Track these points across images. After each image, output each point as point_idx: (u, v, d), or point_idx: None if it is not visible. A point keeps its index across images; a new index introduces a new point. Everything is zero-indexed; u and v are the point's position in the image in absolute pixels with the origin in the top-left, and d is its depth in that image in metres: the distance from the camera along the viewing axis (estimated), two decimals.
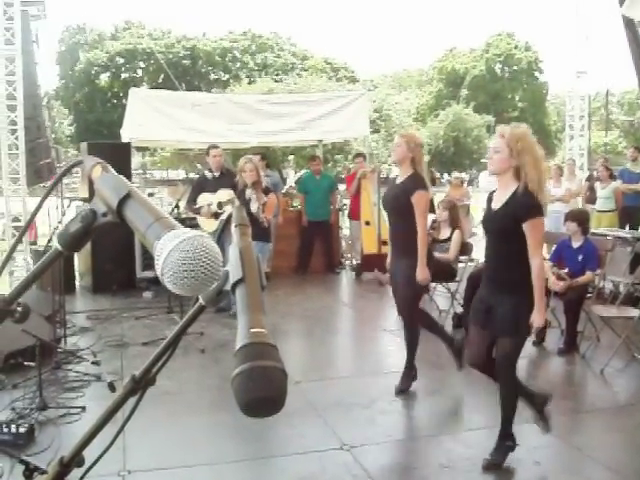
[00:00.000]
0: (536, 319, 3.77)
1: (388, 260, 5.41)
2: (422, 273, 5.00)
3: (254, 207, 6.98)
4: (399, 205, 5.07)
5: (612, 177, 10.38)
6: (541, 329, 6.55)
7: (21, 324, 1.22)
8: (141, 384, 1.08)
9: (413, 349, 5.32)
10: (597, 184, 10.51)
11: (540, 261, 3.77)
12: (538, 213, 3.77)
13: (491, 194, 4.05)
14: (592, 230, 8.34)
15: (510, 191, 3.80)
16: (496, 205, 3.90)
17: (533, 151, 3.76)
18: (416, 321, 5.32)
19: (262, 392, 0.80)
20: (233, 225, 1.05)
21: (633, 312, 6.19)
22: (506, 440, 4.06)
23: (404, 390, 5.25)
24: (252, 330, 0.84)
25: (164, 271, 0.93)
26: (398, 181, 5.18)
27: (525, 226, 3.71)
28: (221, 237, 7.17)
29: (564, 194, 10.84)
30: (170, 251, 0.93)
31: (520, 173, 3.74)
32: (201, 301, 1.01)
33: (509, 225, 3.78)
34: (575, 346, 6.37)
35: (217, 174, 8.03)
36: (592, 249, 6.65)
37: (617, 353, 5.86)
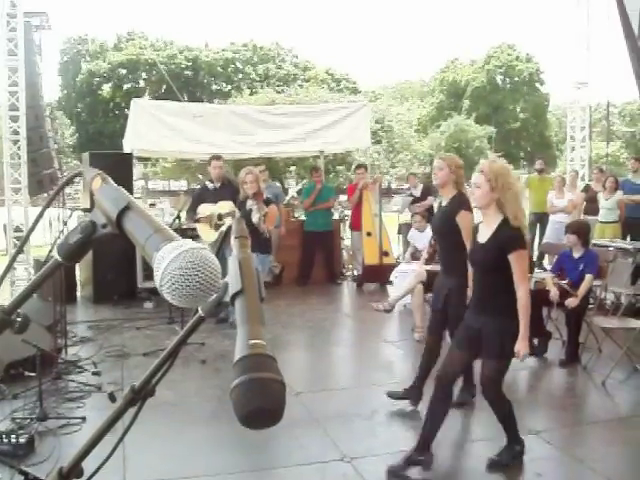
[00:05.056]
0: (521, 348, 3.84)
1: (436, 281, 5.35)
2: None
3: (255, 218, 6.98)
4: (446, 227, 5.04)
5: (617, 188, 10.37)
6: (543, 340, 6.60)
7: (21, 334, 1.22)
8: (140, 395, 1.08)
9: (424, 366, 5.28)
10: (601, 195, 10.50)
11: (526, 292, 3.84)
12: (522, 245, 3.90)
13: (477, 226, 4.16)
14: (594, 241, 8.34)
15: (495, 224, 3.94)
16: (482, 238, 4.01)
17: (511, 185, 3.88)
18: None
19: (260, 404, 0.80)
20: (233, 237, 1.06)
21: (635, 323, 6.17)
22: (515, 444, 4.16)
23: (400, 397, 5.26)
24: (251, 342, 0.84)
25: (163, 282, 0.94)
26: (443, 204, 5.17)
27: (510, 258, 3.82)
28: (221, 248, 7.17)
29: (566, 205, 10.85)
30: (169, 263, 0.93)
31: (502, 206, 3.87)
32: (200, 312, 1.01)
33: (495, 257, 3.89)
34: (577, 357, 6.35)
35: (218, 185, 8.05)
36: (593, 256, 6.65)
37: (619, 364, 5.85)
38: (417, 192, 11.15)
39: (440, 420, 4.09)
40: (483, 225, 4.07)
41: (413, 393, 5.19)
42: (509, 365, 4.02)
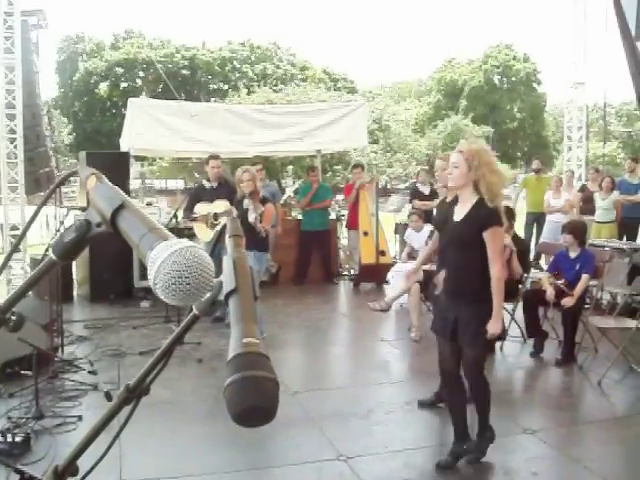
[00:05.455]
0: (492, 327, 3.91)
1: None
2: None
3: (251, 217, 6.97)
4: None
5: (613, 188, 10.39)
6: (540, 340, 6.60)
7: (15, 333, 1.23)
8: (135, 393, 1.08)
9: None
10: (597, 195, 10.52)
11: (499, 269, 3.90)
12: (498, 222, 3.93)
13: (452, 207, 4.15)
14: (590, 241, 8.35)
15: (471, 203, 3.97)
16: (458, 217, 4.05)
17: (489, 164, 3.92)
18: None
19: (253, 402, 0.80)
20: (227, 236, 1.06)
21: (630, 323, 6.18)
22: (485, 432, 4.21)
23: (433, 402, 5.25)
24: (244, 340, 0.85)
25: (156, 281, 0.94)
26: (448, 200, 5.10)
27: (485, 235, 3.87)
28: (216, 247, 7.15)
29: (563, 205, 10.85)
30: (162, 261, 0.94)
31: (479, 186, 3.90)
32: (195, 311, 1.01)
33: (471, 235, 3.93)
34: (573, 357, 6.36)
35: (215, 184, 8.04)
36: (589, 256, 6.64)
37: (615, 364, 5.85)
38: (425, 190, 10.90)
39: (461, 410, 4.20)
40: (459, 205, 4.09)
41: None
42: (488, 351, 4.08)
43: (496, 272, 3.87)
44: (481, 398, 4.17)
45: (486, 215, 3.89)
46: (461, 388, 4.22)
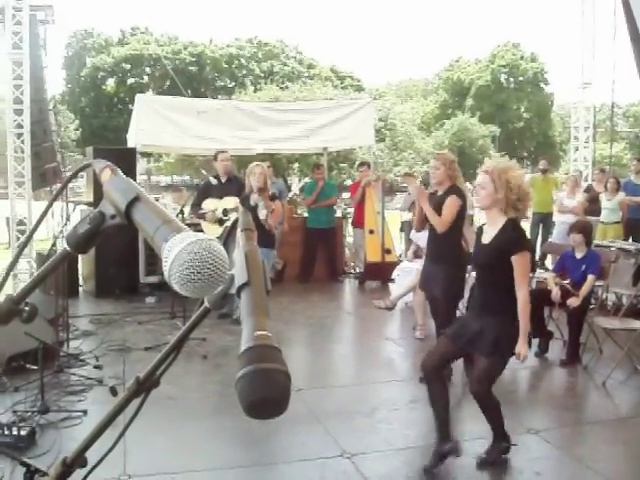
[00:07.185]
0: (521, 350, 3.87)
1: (422, 268, 5.83)
2: None
3: (262, 214, 6.97)
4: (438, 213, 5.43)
5: (619, 189, 10.36)
6: (544, 340, 6.60)
7: (28, 324, 1.23)
8: (145, 386, 1.09)
9: None
10: (603, 195, 10.49)
11: (525, 294, 3.87)
12: (525, 247, 3.94)
13: (481, 228, 4.21)
14: (596, 242, 8.34)
15: (498, 225, 3.97)
16: (485, 240, 4.05)
17: (516, 183, 3.89)
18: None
19: (265, 394, 0.81)
20: (239, 229, 1.06)
21: (636, 324, 6.17)
22: (502, 441, 4.17)
23: None
24: (256, 333, 0.85)
25: (171, 272, 0.94)
26: (439, 193, 5.58)
27: (513, 259, 3.86)
28: (226, 242, 7.16)
29: (575, 206, 10.79)
30: (177, 253, 0.94)
31: (505, 206, 3.90)
32: (206, 304, 1.02)
33: (498, 258, 3.92)
34: (577, 357, 6.36)
35: (224, 179, 8.01)
36: (595, 257, 6.64)
37: (619, 365, 5.85)
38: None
39: (443, 406, 4.13)
40: (487, 226, 4.11)
41: None
42: (504, 366, 4.01)
43: (522, 297, 3.84)
44: (490, 414, 4.13)
45: (513, 240, 3.89)
46: (441, 382, 4.18)
